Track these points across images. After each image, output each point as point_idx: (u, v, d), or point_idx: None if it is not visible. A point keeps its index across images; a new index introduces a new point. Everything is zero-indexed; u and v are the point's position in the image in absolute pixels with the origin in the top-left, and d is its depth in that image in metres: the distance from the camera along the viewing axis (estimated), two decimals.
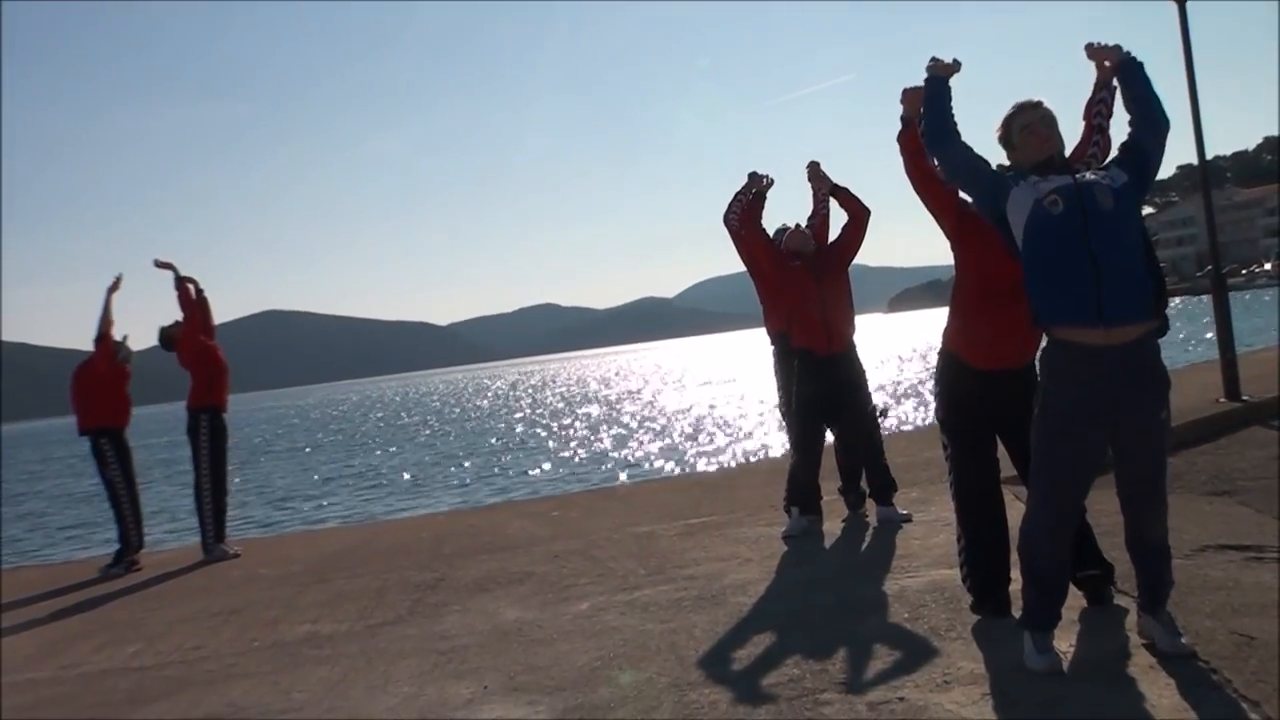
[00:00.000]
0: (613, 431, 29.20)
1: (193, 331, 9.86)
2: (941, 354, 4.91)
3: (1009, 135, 4.16)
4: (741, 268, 7.82)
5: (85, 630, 7.15)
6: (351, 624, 6.33)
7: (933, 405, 5.34)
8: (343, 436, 43.10)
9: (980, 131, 4.29)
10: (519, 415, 43.62)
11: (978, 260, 4.69)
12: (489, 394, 77.30)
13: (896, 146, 4.93)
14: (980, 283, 4.67)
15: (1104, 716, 3.53)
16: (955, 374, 4.80)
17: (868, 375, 7.55)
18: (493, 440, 30.92)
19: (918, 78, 4.53)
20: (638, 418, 33.74)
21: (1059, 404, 3.93)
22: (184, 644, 6.36)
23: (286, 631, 6.37)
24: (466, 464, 24.37)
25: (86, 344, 9.98)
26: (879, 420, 7.68)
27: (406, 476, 22.94)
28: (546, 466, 21.83)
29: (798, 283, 7.18)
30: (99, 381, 9.77)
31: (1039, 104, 4.13)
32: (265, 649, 6.00)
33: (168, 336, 9.91)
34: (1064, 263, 3.84)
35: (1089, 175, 3.96)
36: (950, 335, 4.85)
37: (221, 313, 10.66)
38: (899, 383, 33.35)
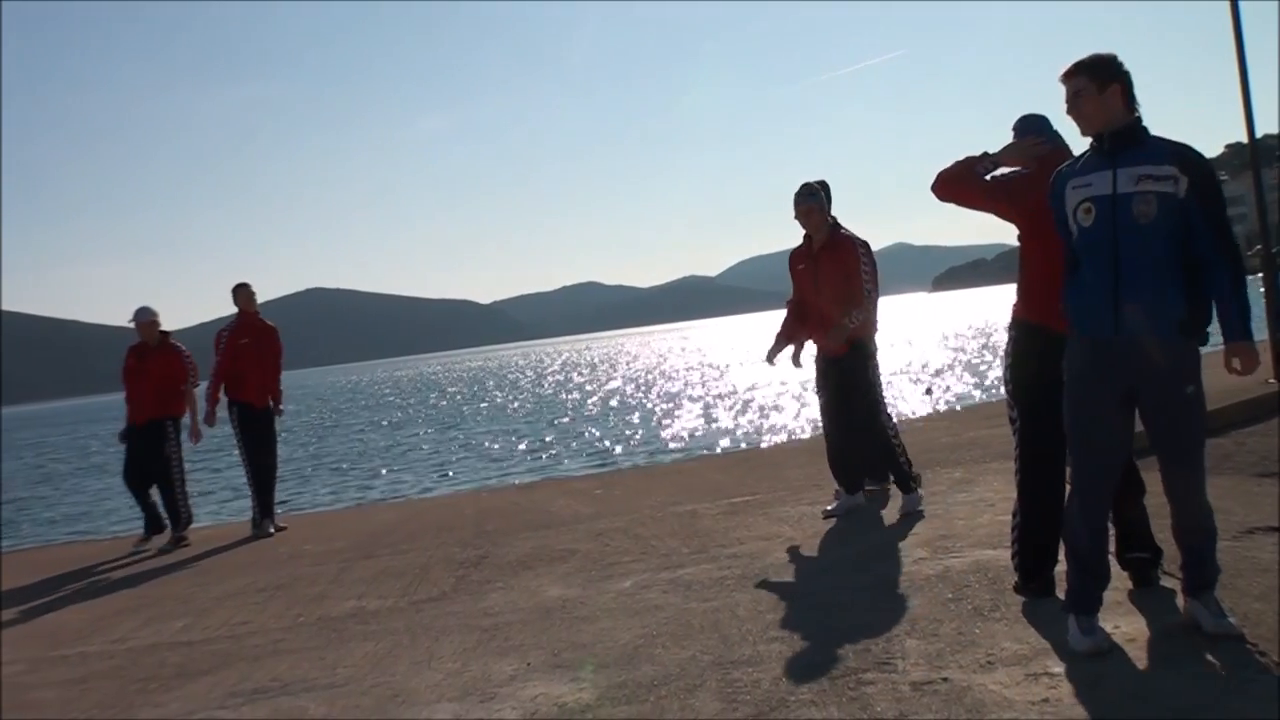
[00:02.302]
0: (656, 409, 29.18)
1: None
2: (1019, 325, 4.81)
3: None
4: (784, 246, 7.83)
5: (133, 605, 7.26)
6: (396, 600, 6.39)
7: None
8: (401, 413, 43.41)
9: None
10: (570, 392, 43.71)
11: (1054, 245, 4.57)
12: (538, 372, 77.47)
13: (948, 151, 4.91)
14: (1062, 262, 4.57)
15: (1149, 698, 3.50)
16: (1037, 344, 4.66)
17: (876, 375, 7.23)
18: (530, 421, 30.98)
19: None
20: (681, 395, 33.70)
21: (1075, 380, 4.01)
22: (231, 619, 6.45)
23: (332, 607, 6.44)
24: (515, 440, 24.43)
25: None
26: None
27: (464, 440, 23.06)
28: (589, 444, 21.81)
29: (798, 284, 7.32)
30: (149, 375, 9.85)
31: (1071, 73, 4.00)
32: (311, 624, 6.07)
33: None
34: (1087, 274, 3.92)
35: (1137, 180, 3.85)
36: (1035, 308, 4.70)
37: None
38: (941, 362, 33.10)
